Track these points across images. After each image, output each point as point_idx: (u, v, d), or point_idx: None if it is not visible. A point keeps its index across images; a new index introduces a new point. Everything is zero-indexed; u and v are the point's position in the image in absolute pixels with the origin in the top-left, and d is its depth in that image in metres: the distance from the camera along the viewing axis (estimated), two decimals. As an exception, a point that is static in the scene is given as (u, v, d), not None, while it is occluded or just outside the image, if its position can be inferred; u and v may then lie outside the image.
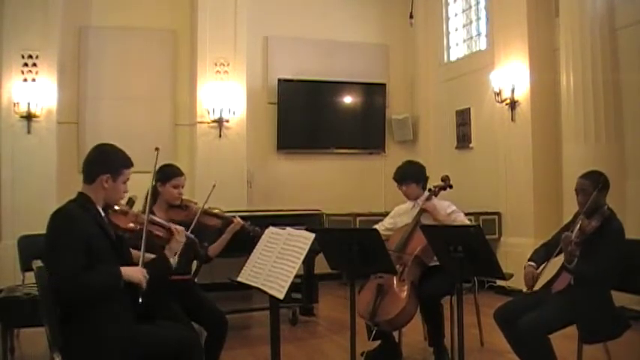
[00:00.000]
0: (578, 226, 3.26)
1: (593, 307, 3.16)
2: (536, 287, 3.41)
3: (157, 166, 3.31)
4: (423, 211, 4.09)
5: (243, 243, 3.53)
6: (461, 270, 2.98)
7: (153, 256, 2.79)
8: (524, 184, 6.47)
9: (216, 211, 3.77)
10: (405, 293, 3.79)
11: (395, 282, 3.87)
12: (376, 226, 4.29)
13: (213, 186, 3.64)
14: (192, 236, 3.21)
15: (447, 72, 8.32)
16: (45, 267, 2.51)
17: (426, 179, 4.27)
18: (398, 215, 4.34)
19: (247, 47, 7.54)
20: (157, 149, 2.89)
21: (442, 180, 4.29)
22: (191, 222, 3.38)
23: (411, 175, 4.24)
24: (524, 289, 3.44)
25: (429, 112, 8.54)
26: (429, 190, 4.24)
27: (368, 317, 3.78)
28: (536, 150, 6.40)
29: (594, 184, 3.31)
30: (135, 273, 2.53)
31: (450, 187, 4.27)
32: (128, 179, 2.70)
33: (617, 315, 3.31)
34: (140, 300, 2.51)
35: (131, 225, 2.78)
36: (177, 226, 2.98)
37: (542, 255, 3.48)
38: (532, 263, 3.43)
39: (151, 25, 7.55)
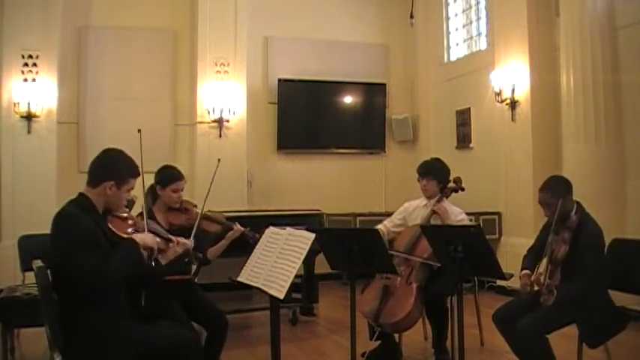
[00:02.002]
0: (547, 258, 3.23)
1: (592, 310, 3.16)
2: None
3: (157, 168, 3.59)
4: (433, 212, 4.05)
5: (243, 244, 3.54)
6: (461, 270, 2.98)
7: None
8: (524, 184, 6.45)
9: (216, 215, 3.69)
10: (412, 297, 3.77)
11: (402, 284, 3.85)
12: (385, 223, 4.28)
13: (219, 160, 3.67)
14: (190, 244, 3.14)
15: (447, 72, 8.31)
16: (45, 268, 2.50)
17: (447, 181, 4.19)
18: (408, 212, 4.30)
19: (247, 47, 7.54)
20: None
21: (454, 182, 4.21)
22: (190, 225, 3.35)
23: (435, 172, 4.20)
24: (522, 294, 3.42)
25: (429, 112, 8.53)
26: (441, 191, 4.19)
27: (372, 318, 3.77)
28: (536, 150, 6.39)
29: (556, 195, 3.28)
30: (147, 238, 2.60)
31: (462, 189, 4.19)
32: (133, 188, 2.69)
33: (616, 313, 3.30)
34: (143, 302, 2.51)
35: (128, 233, 2.78)
36: (179, 239, 2.96)
37: (532, 260, 3.47)
38: (527, 271, 3.42)
39: (151, 25, 7.55)
